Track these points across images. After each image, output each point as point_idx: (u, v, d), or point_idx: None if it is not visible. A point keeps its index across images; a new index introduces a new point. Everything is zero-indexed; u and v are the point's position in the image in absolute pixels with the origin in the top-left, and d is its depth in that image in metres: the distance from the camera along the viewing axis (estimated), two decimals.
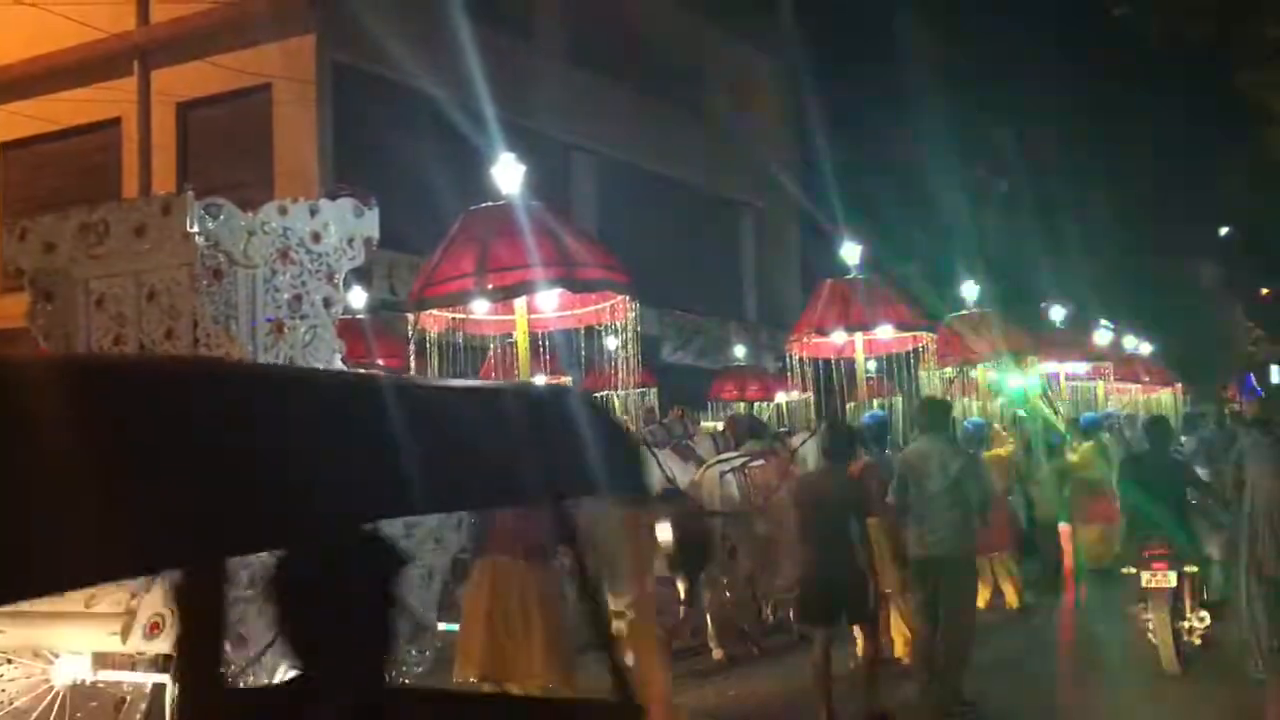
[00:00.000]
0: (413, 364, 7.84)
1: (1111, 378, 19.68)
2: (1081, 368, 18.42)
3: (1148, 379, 23.66)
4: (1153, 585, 7.85)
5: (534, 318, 7.53)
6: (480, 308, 7.57)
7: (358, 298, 12.11)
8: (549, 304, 7.57)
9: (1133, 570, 8.06)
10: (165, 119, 17.30)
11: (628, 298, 7.35)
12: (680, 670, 8.49)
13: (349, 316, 11.33)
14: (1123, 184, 29.34)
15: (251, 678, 5.92)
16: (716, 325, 24.65)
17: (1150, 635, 8.04)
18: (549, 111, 19.60)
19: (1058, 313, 18.04)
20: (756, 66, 27.81)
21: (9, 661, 6.47)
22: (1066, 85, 28.44)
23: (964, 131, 25.16)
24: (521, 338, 7.17)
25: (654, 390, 17.44)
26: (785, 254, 28.86)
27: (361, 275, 12.14)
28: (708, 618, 9.26)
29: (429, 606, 7.36)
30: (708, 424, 17.45)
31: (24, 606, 5.46)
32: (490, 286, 6.80)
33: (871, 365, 13.24)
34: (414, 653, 7.59)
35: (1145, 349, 25.20)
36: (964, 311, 14.12)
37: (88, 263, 6.64)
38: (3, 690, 6.46)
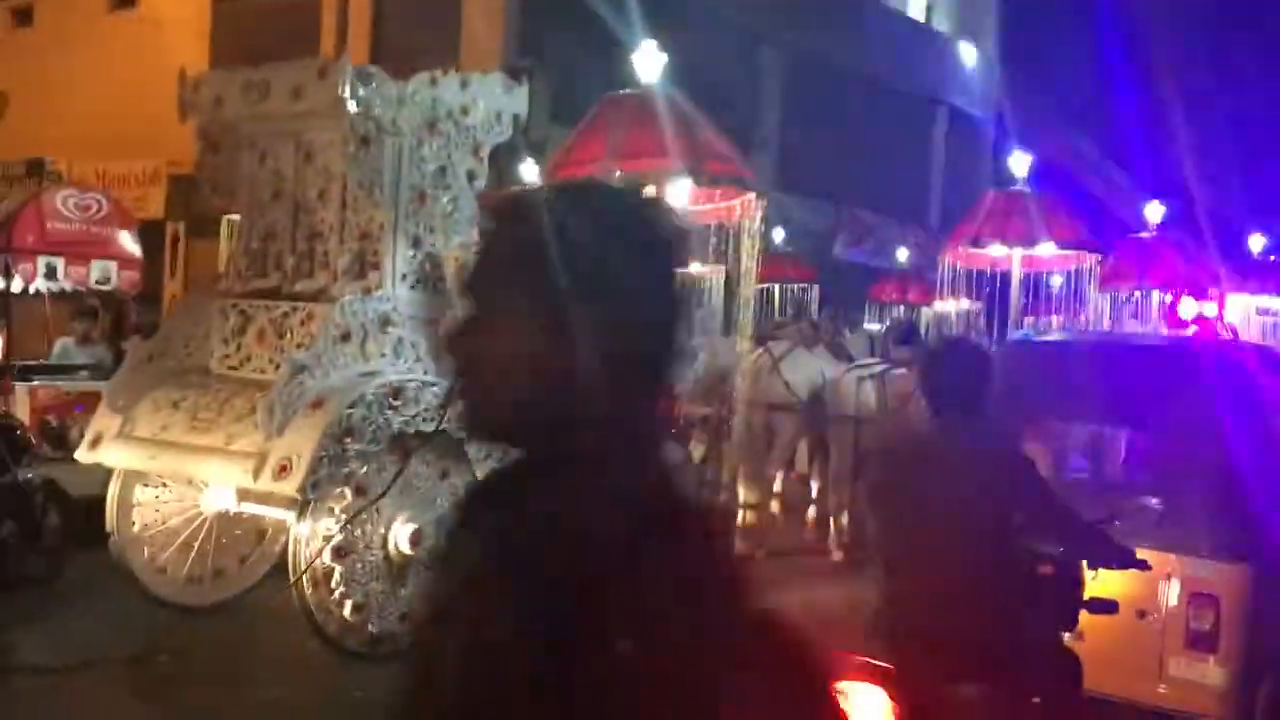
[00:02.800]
0: None
1: None
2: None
3: None
4: None
5: None
6: None
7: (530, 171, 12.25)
8: (679, 197, 7.54)
9: None
10: None
11: (754, 196, 7.25)
12: (796, 568, 8.58)
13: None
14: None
15: (369, 524, 6.31)
16: (893, 225, 24.00)
17: None
18: (739, 1, 19.20)
19: (1257, 243, 16.82)
20: None
21: (164, 485, 7.05)
22: None
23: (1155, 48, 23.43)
24: None
25: (815, 287, 17.18)
26: (978, 159, 27.74)
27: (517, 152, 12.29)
28: (831, 519, 9.30)
29: None
30: (872, 325, 17.18)
31: (173, 437, 5.86)
32: (618, 173, 6.82)
33: (1055, 280, 12.71)
34: None
35: None
36: (1142, 234, 13.36)
37: (251, 120, 6.98)
38: (158, 510, 7.05)
